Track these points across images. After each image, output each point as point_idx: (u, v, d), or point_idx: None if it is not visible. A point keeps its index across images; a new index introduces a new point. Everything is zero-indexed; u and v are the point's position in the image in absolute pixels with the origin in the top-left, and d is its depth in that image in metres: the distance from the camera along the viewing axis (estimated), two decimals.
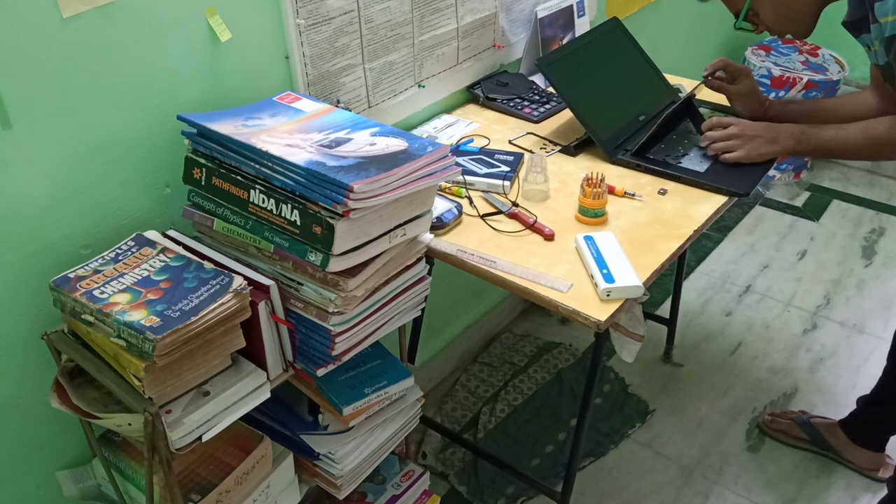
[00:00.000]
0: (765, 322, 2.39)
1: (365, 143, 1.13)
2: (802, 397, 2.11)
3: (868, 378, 2.15)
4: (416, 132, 1.69)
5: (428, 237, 1.25)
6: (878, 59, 1.35)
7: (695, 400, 2.12)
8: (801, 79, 2.89)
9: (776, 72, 2.93)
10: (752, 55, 3.05)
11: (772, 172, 3.05)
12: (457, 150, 1.60)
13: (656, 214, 1.42)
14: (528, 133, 1.71)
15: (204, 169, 1.15)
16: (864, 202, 2.95)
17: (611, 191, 1.46)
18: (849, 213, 2.90)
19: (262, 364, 1.12)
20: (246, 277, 1.07)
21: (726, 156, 1.52)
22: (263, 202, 1.09)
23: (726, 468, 1.92)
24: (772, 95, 2.89)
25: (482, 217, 1.41)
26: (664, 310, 2.31)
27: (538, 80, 1.90)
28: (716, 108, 1.77)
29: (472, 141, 1.66)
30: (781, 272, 2.60)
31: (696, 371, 2.21)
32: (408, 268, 1.23)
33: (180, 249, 1.12)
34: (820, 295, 2.49)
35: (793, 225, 2.85)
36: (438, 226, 1.36)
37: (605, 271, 1.23)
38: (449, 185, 1.49)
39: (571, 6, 1.99)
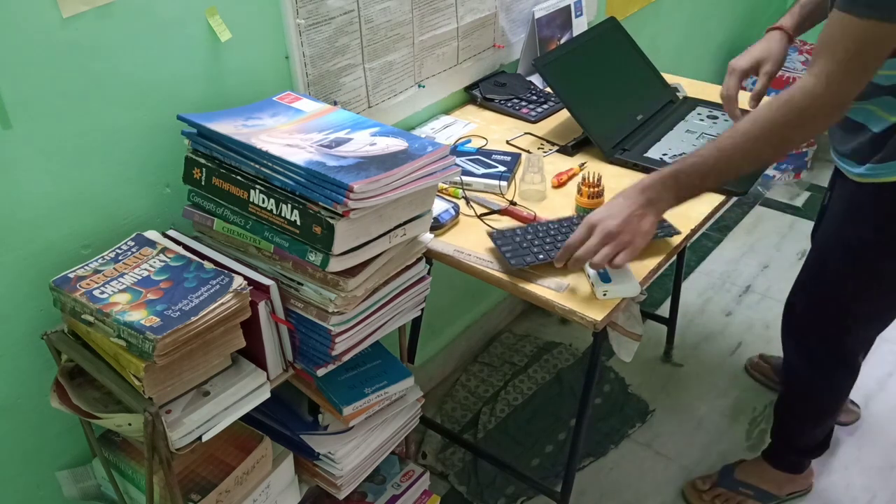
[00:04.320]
0: (765, 322, 2.39)
1: (365, 143, 1.14)
2: None
3: (866, 377, 2.15)
4: (414, 133, 1.69)
5: (428, 237, 1.25)
6: None
7: (695, 400, 2.12)
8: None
9: None
10: None
11: (771, 172, 3.06)
12: (454, 151, 1.60)
13: None
14: (526, 133, 1.71)
15: (204, 169, 1.15)
16: None
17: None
18: None
19: (262, 364, 1.12)
20: (246, 277, 1.07)
21: (618, 260, 1.17)
22: (263, 202, 1.09)
23: None
24: (772, 94, 2.89)
25: (480, 217, 1.41)
26: (664, 309, 2.31)
27: (536, 80, 1.90)
28: (716, 106, 1.77)
29: (469, 141, 1.67)
30: (781, 272, 2.60)
31: (696, 371, 2.22)
32: (408, 268, 1.23)
33: (180, 249, 1.12)
34: None
35: (793, 225, 2.85)
36: (435, 226, 1.36)
37: (601, 271, 1.23)
38: (445, 185, 1.49)
39: (569, 6, 2.00)
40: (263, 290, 1.09)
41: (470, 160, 1.55)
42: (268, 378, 1.12)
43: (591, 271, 1.24)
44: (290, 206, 1.06)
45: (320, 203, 1.03)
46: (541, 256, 1.26)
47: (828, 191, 1.58)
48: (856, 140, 1.35)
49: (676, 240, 1.33)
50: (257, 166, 1.08)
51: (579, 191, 1.39)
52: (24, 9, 1.00)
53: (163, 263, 1.09)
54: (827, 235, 1.52)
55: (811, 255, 1.57)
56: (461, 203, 1.45)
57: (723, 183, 1.27)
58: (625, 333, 1.36)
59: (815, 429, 1.74)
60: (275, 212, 1.08)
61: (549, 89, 1.84)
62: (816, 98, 1.12)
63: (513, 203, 1.44)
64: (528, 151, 1.62)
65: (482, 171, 1.52)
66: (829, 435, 1.78)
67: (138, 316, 0.97)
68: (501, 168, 1.53)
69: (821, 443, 1.77)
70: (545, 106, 1.80)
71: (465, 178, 1.49)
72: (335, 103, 1.49)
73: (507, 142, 1.67)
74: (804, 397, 1.69)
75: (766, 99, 1.14)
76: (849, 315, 1.51)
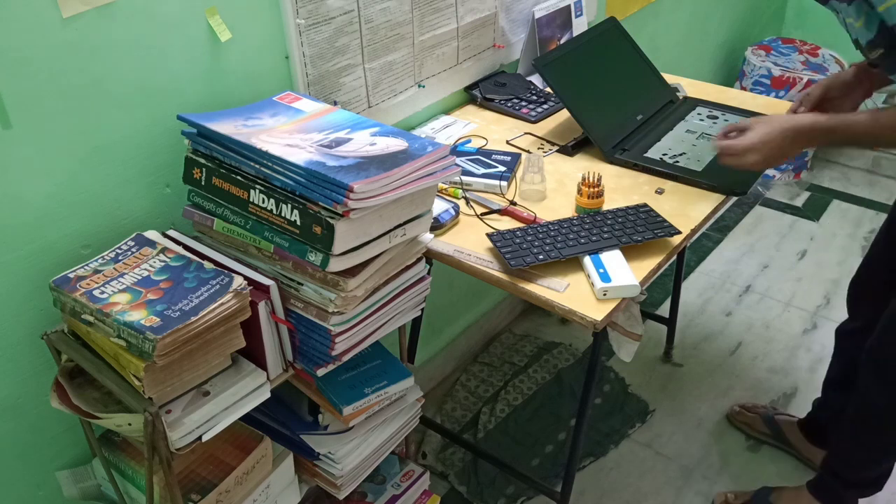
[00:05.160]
0: (765, 322, 2.39)
1: (365, 143, 1.14)
2: (802, 397, 2.11)
3: None
4: (414, 133, 1.69)
5: (428, 237, 1.25)
6: (859, 36, 1.25)
7: (695, 400, 2.12)
8: (801, 79, 2.89)
9: (776, 72, 2.93)
10: (752, 55, 3.06)
11: (771, 172, 3.06)
12: (454, 151, 1.60)
13: None
14: (526, 133, 1.71)
15: (204, 169, 1.15)
16: (864, 202, 2.95)
17: None
18: (849, 213, 2.90)
19: (262, 364, 1.12)
20: (246, 277, 1.07)
21: (738, 164, 1.37)
22: (263, 202, 1.09)
23: (726, 468, 1.92)
24: (771, 95, 2.90)
25: (480, 217, 1.42)
26: (664, 309, 2.31)
27: (536, 80, 1.90)
28: (716, 106, 1.78)
29: (469, 141, 1.67)
30: (781, 272, 2.60)
31: (696, 371, 2.22)
32: (408, 268, 1.23)
33: (180, 249, 1.12)
34: (820, 295, 2.49)
35: (793, 225, 2.85)
36: (435, 226, 1.36)
37: (601, 271, 1.23)
38: (445, 185, 1.49)
39: (569, 6, 2.00)
40: (263, 290, 1.09)
41: (470, 160, 1.55)
42: (268, 378, 1.12)
43: (592, 271, 1.24)
44: (290, 206, 1.06)
45: (320, 203, 1.03)
46: (540, 257, 1.26)
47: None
48: None
49: (676, 240, 1.33)
50: (257, 166, 1.08)
51: (579, 191, 1.39)
52: (24, 9, 1.00)
53: (163, 263, 1.09)
54: None
55: None
56: (461, 203, 1.45)
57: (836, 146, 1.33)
58: (625, 333, 1.36)
59: (880, 463, 1.65)
60: (275, 212, 1.08)
61: (549, 89, 1.84)
62: None
63: (513, 203, 1.44)
64: (528, 151, 1.62)
65: (482, 171, 1.52)
66: (888, 473, 1.68)
67: (138, 316, 0.97)
68: (501, 168, 1.53)
69: (877, 478, 1.67)
70: (545, 106, 1.80)
71: (465, 178, 1.49)
72: (335, 103, 1.50)
73: (507, 142, 1.68)
74: (879, 427, 1.59)
75: None
76: None
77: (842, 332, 1.81)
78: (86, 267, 1.08)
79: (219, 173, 1.13)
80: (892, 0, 1.13)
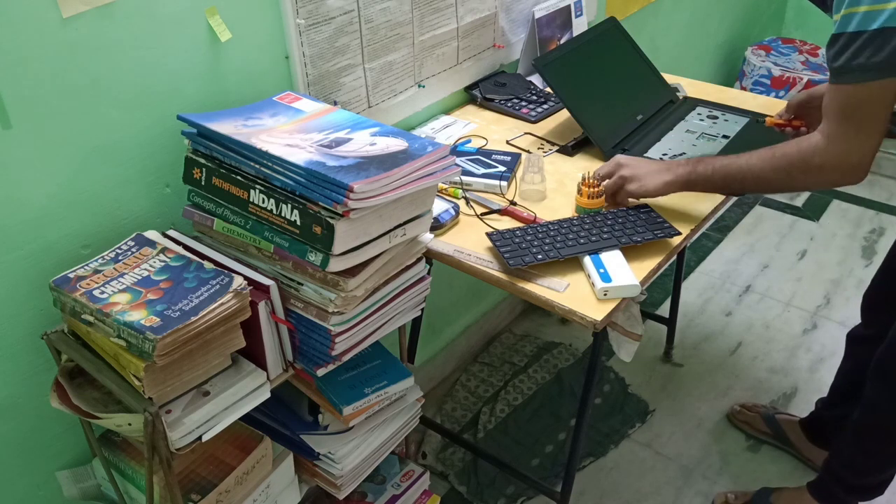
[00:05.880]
0: (765, 322, 2.39)
1: (365, 143, 1.14)
2: (802, 397, 2.11)
3: None
4: (414, 133, 1.69)
5: (428, 237, 1.25)
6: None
7: (695, 400, 2.12)
8: (801, 79, 2.89)
9: (776, 72, 2.93)
10: (752, 55, 3.06)
11: None
12: (454, 151, 1.60)
13: None
14: (526, 133, 1.71)
15: (204, 169, 1.15)
16: (864, 202, 2.95)
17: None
18: (849, 213, 2.90)
19: (262, 364, 1.12)
20: (246, 277, 1.07)
21: (619, 196, 1.39)
22: (263, 202, 1.09)
23: (726, 468, 1.92)
24: (771, 95, 2.90)
25: (480, 217, 1.42)
26: (664, 309, 2.31)
27: (536, 80, 1.90)
28: (716, 106, 1.78)
29: (469, 141, 1.67)
30: (781, 272, 2.60)
31: (696, 371, 2.22)
32: (408, 268, 1.23)
33: (180, 249, 1.12)
34: (820, 295, 2.49)
35: (793, 225, 2.85)
36: (435, 226, 1.36)
37: (601, 271, 1.23)
38: (445, 185, 1.49)
39: (569, 6, 2.00)
40: (263, 290, 1.09)
41: (470, 160, 1.55)
42: (268, 378, 1.12)
43: (592, 271, 1.24)
44: (290, 206, 1.06)
45: (320, 203, 1.03)
46: (539, 257, 1.26)
47: None
48: None
49: (676, 240, 1.33)
50: (257, 166, 1.08)
51: (579, 191, 1.39)
52: (24, 9, 1.00)
53: (163, 263, 1.09)
54: None
55: None
56: (461, 203, 1.45)
57: (728, 189, 1.37)
58: (625, 333, 1.36)
59: (883, 470, 1.63)
60: (275, 212, 1.08)
61: (549, 89, 1.84)
62: (819, 151, 1.21)
63: (513, 203, 1.44)
64: (528, 151, 1.62)
65: (482, 171, 1.52)
66: (890, 479, 1.66)
67: (138, 316, 0.97)
68: (501, 168, 1.53)
69: (879, 484, 1.65)
70: (545, 106, 1.80)
71: (465, 178, 1.49)
72: (335, 103, 1.50)
73: (507, 142, 1.68)
74: (884, 436, 1.58)
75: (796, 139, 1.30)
76: None
77: (853, 338, 1.79)
78: (86, 267, 1.08)
79: (219, 173, 1.13)
80: (844, 11, 1.17)
